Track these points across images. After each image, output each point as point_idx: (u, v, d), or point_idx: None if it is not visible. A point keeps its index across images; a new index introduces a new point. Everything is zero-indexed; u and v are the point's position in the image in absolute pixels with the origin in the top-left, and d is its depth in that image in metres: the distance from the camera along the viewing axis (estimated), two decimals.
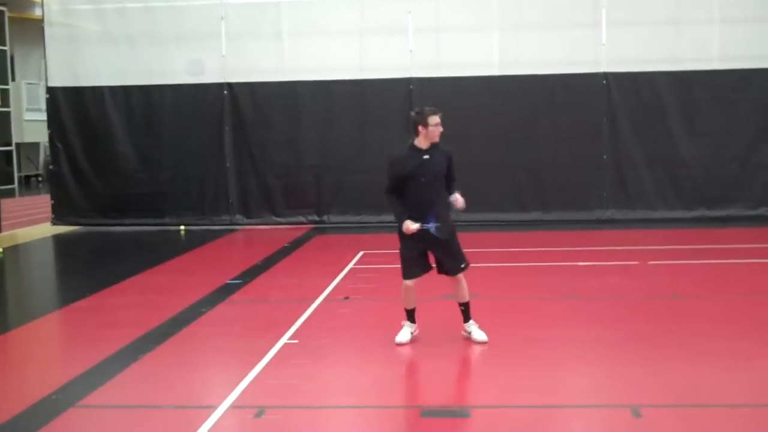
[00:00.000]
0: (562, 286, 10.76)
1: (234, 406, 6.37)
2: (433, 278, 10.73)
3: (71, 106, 18.12)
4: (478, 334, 8.06)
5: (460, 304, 8.19)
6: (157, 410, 6.50)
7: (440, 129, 7.81)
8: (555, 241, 14.91)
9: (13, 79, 30.38)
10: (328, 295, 10.36)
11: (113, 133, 18.01)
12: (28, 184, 32.71)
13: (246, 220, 17.91)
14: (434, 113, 7.77)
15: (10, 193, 26.06)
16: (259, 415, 6.17)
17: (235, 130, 17.86)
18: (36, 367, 8.07)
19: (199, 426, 5.95)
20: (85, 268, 13.56)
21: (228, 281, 11.45)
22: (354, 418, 6.28)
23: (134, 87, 17.99)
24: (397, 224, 7.91)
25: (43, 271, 14.99)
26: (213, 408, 6.31)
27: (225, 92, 17.78)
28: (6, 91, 27.62)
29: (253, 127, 17.88)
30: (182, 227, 17.52)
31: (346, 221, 17.57)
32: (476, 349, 7.90)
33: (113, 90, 18.02)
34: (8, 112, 28.05)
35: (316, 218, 17.83)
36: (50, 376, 7.60)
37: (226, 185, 17.92)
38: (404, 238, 7.93)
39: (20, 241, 16.74)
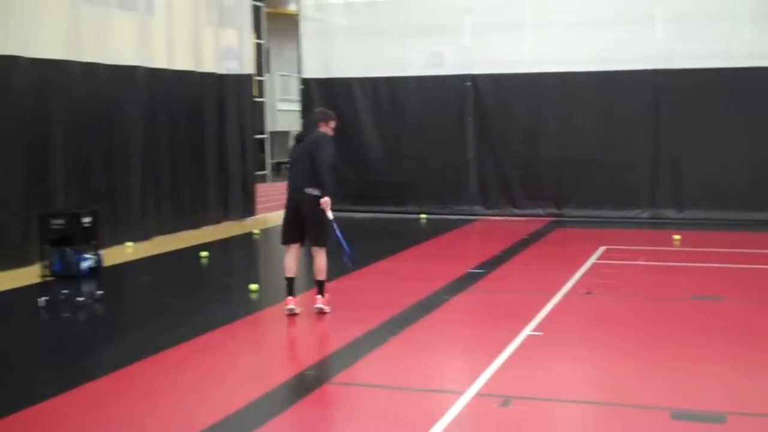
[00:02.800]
0: None
1: (480, 394, 6.47)
2: (681, 278, 10.40)
3: (323, 97, 18.97)
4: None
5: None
6: (406, 392, 6.73)
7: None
8: None
9: (268, 71, 32.18)
10: (570, 289, 10.27)
11: (361, 122, 18.71)
12: (278, 170, 34.56)
13: (485, 211, 18.06)
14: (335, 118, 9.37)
15: (262, 179, 27.56)
16: (505, 404, 6.24)
17: (477, 121, 18.03)
18: (290, 344, 8.60)
19: (446, 411, 6.09)
20: (333, 251, 14.12)
21: (470, 270, 11.62)
22: (600, 415, 6.21)
23: (381, 78, 18.58)
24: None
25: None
26: (459, 394, 6.44)
27: (468, 84, 17.98)
28: (261, 83, 29.31)
29: (494, 118, 17.98)
30: (423, 216, 17.92)
31: (586, 215, 17.29)
32: (728, 353, 7.58)
33: (361, 81, 18.72)
34: (263, 102, 29.77)
35: (555, 211, 17.67)
36: (305, 353, 8.07)
37: (467, 176, 18.14)
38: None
39: (271, 224, 17.73)
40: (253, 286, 10.63)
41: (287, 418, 6.10)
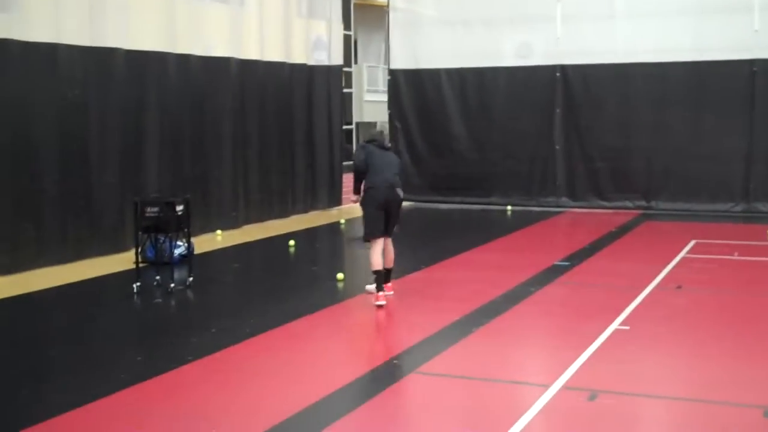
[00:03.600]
0: None
1: (566, 387, 6.43)
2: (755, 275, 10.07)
3: (410, 88, 19.03)
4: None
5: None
6: (492, 383, 6.73)
7: None
8: None
9: (356, 62, 32.37)
10: (659, 284, 10.11)
11: (448, 113, 18.69)
12: None
13: (572, 203, 17.87)
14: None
15: (349, 169, 27.81)
16: (592, 398, 6.19)
17: (565, 112, 17.83)
18: (376, 333, 8.67)
19: (533, 403, 6.08)
20: (418, 242, 14.19)
21: (556, 262, 11.53)
22: (688, 411, 6.12)
23: (468, 69, 18.53)
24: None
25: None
26: (546, 387, 6.41)
27: (557, 74, 17.80)
28: (349, 74, 29.51)
29: (583, 109, 17.76)
30: (509, 207, 17.82)
31: (676, 209, 16.97)
32: None
33: (449, 72, 18.69)
34: (350, 93, 29.96)
35: (644, 204, 17.39)
36: (391, 342, 8.13)
37: (555, 167, 17.97)
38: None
39: (358, 213, 17.83)
40: (340, 275, 10.76)
41: (373, 407, 6.16)
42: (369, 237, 9.41)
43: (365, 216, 9.47)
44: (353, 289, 10.09)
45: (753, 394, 6.30)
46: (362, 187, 9.44)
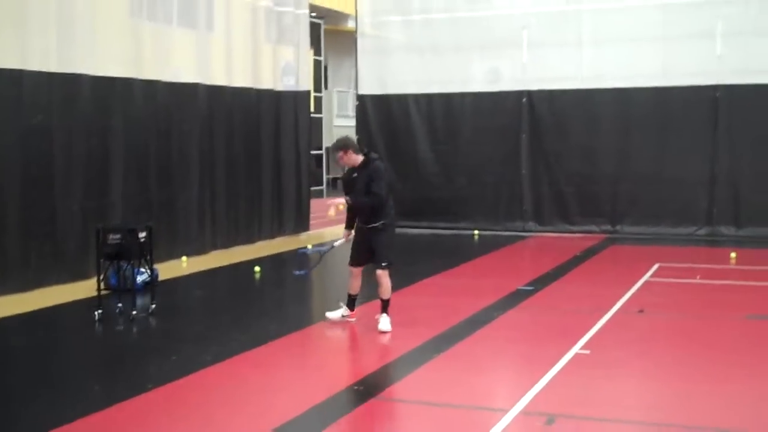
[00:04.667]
0: None
1: (524, 412, 6.46)
2: (737, 297, 10.29)
3: (378, 113, 19.12)
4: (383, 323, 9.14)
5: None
6: (451, 409, 6.74)
7: (341, 163, 9.22)
8: None
9: (326, 87, 32.48)
10: (621, 307, 10.19)
11: (415, 138, 18.80)
12: (335, 185, 34.82)
13: (538, 227, 17.98)
14: (335, 149, 9.23)
15: (318, 194, 27.83)
16: (549, 422, 6.21)
17: (532, 137, 17.99)
18: (339, 359, 8.68)
19: (490, 428, 6.10)
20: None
21: (520, 287, 11.58)
22: None
23: (436, 95, 18.65)
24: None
25: (346, 268, 15.92)
26: (504, 411, 6.44)
27: (524, 100, 17.96)
28: (319, 99, 29.60)
29: (549, 134, 17.92)
30: (476, 232, 17.90)
31: (641, 232, 17.13)
32: None
33: (417, 97, 18.81)
34: (320, 118, 30.03)
35: (610, 228, 17.54)
36: (353, 368, 8.13)
37: (521, 192, 18.09)
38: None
39: (326, 239, 17.86)
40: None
41: None
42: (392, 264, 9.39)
43: (391, 239, 9.36)
44: (318, 315, 10.07)
45: (709, 417, 6.36)
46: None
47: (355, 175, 9.12)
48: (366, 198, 9.03)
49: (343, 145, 9.20)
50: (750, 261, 13.78)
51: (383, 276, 9.18)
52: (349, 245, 9.52)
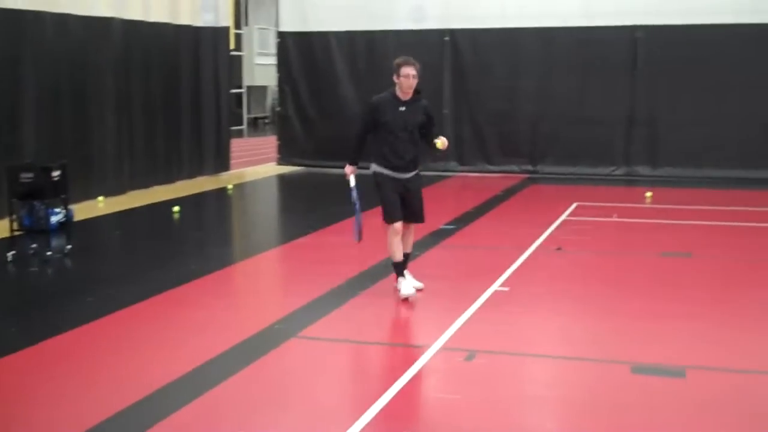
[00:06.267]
0: None
1: (445, 348, 6.52)
2: (652, 235, 10.49)
3: (299, 51, 18.85)
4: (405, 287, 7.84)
5: (405, 255, 8.05)
6: (372, 346, 6.79)
7: (411, 81, 7.70)
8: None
9: (246, 24, 31.85)
10: (540, 245, 10.33)
11: (337, 77, 18.60)
12: (255, 125, 34.42)
13: (460, 167, 18.07)
14: (407, 64, 7.70)
15: (238, 134, 27.50)
16: (469, 358, 6.29)
17: (454, 76, 17.97)
18: (260, 298, 8.62)
19: (411, 365, 6.14)
20: (307, 207, 14.17)
21: (442, 226, 11.65)
22: (563, 369, 6.29)
23: (358, 32, 18.44)
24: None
25: (268, 208, 15.87)
26: (425, 348, 6.50)
27: (446, 38, 17.89)
28: (239, 36, 29.05)
29: (472, 74, 17.93)
30: None
31: (561, 172, 17.36)
32: (693, 308, 7.67)
33: (338, 35, 18.56)
34: (240, 56, 29.49)
35: (530, 168, 17.74)
36: (274, 307, 8.09)
37: (443, 132, 17.93)
38: (382, 181, 7.91)
39: (247, 179, 17.71)
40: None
41: (254, 371, 6.12)
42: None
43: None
44: (239, 255, 9.99)
45: (621, 351, 6.51)
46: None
47: (403, 108, 7.84)
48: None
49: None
50: (665, 200, 14.10)
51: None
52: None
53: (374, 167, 7.99)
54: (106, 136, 14.52)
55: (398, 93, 7.84)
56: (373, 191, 8.04)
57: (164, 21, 16.07)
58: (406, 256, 8.11)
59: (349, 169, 8.19)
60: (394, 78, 7.79)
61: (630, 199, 14.55)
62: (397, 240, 7.96)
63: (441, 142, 7.86)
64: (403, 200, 7.95)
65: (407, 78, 7.72)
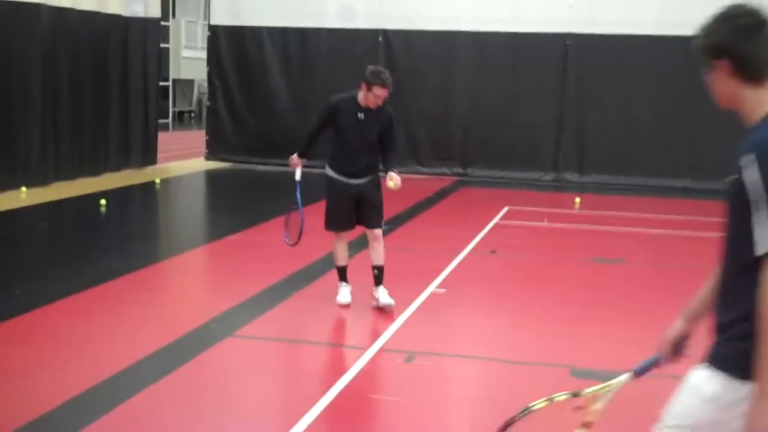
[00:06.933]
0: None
1: (384, 350, 6.48)
2: (582, 240, 10.58)
3: (231, 45, 18.60)
4: (384, 298, 7.52)
5: (374, 267, 7.61)
6: (310, 346, 6.70)
7: (379, 102, 7.32)
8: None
9: (174, 16, 31.34)
10: (474, 248, 10.37)
11: (269, 73, 18.40)
12: (181, 119, 33.89)
13: None
14: (382, 85, 7.22)
15: (164, 128, 27.00)
16: (409, 360, 6.25)
17: None
18: (193, 296, 8.45)
19: (350, 366, 6.08)
20: (236, 204, 13.98)
21: None
22: (502, 371, 6.29)
23: (291, 29, 18.28)
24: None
25: (197, 203, 15.61)
26: (363, 349, 6.43)
27: (380, 39, 17.86)
28: (166, 28, 28.54)
29: (404, 75, 17.87)
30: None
31: (491, 176, 17.49)
32: (624, 313, 7.77)
33: (271, 31, 18.37)
34: (167, 49, 29.00)
35: (461, 171, 17.82)
36: (208, 305, 7.93)
37: None
38: (331, 185, 7.64)
39: (175, 173, 17.41)
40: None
41: (189, 370, 5.98)
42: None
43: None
44: (167, 251, 9.78)
45: (560, 354, 6.55)
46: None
47: (361, 116, 7.45)
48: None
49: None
50: (593, 206, 14.31)
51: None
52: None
53: (327, 169, 7.72)
54: (30, 126, 14.09)
55: (361, 99, 7.46)
56: (322, 191, 7.85)
57: (93, 9, 15.67)
58: (379, 269, 7.62)
59: (295, 159, 7.89)
60: (363, 85, 7.34)
61: (559, 204, 14.74)
62: (341, 245, 7.80)
63: (394, 183, 7.32)
64: (357, 205, 7.69)
65: (377, 98, 7.30)
